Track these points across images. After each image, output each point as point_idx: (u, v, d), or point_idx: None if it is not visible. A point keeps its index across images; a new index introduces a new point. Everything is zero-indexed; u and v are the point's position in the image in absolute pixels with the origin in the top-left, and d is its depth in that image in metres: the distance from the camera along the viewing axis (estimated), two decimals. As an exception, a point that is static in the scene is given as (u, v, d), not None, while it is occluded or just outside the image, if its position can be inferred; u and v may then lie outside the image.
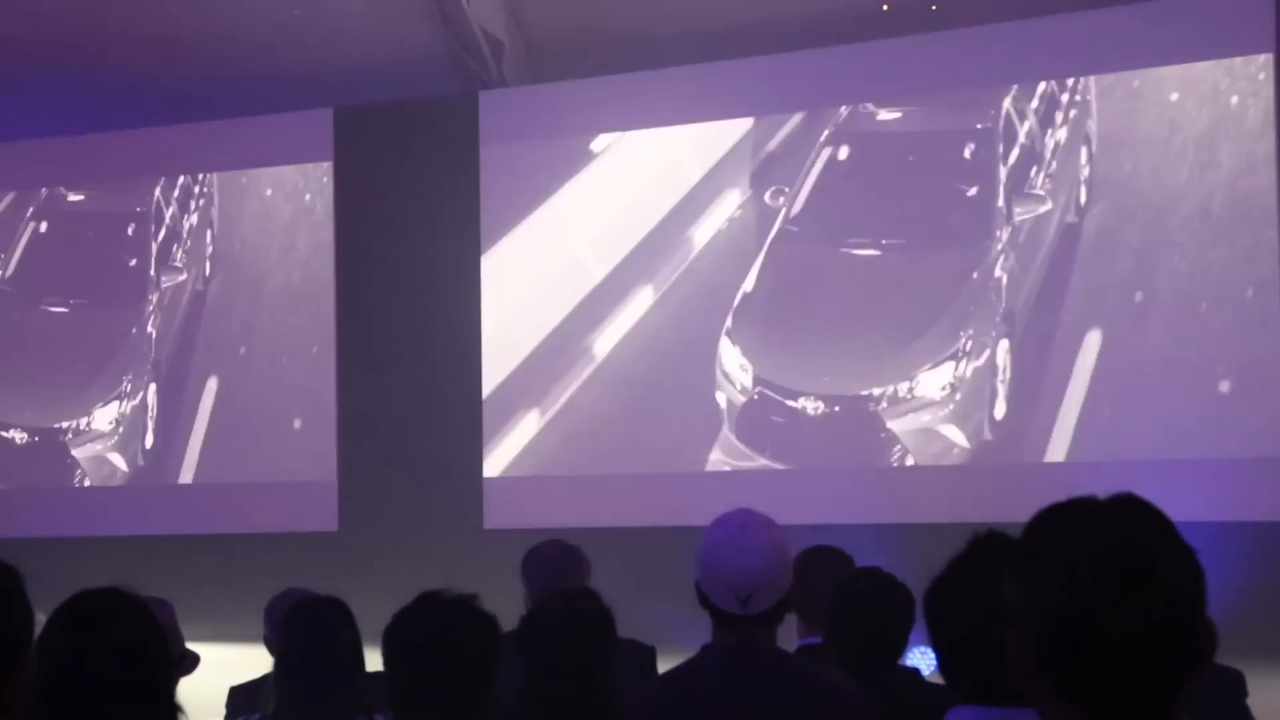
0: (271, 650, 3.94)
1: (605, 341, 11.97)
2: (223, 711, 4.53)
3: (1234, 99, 10.32)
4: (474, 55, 12.65)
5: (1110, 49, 10.59)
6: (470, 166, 12.44)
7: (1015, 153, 11.02)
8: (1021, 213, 11.03)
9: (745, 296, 11.65)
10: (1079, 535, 1.73)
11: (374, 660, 3.20)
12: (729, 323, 11.68)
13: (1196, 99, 10.45)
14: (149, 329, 13.66)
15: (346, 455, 12.74)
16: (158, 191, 13.71)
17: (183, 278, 13.54)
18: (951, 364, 11.00)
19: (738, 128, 11.74)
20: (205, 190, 13.54)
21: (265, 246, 13.32)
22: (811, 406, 11.39)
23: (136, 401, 13.64)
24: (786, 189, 11.64)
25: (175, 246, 13.61)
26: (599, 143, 12.15)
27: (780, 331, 11.64)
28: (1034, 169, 10.99)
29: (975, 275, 11.09)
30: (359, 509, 12.58)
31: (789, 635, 3.81)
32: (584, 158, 12.18)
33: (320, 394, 12.87)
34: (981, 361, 10.94)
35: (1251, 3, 10.28)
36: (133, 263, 13.76)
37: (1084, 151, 10.87)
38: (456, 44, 12.69)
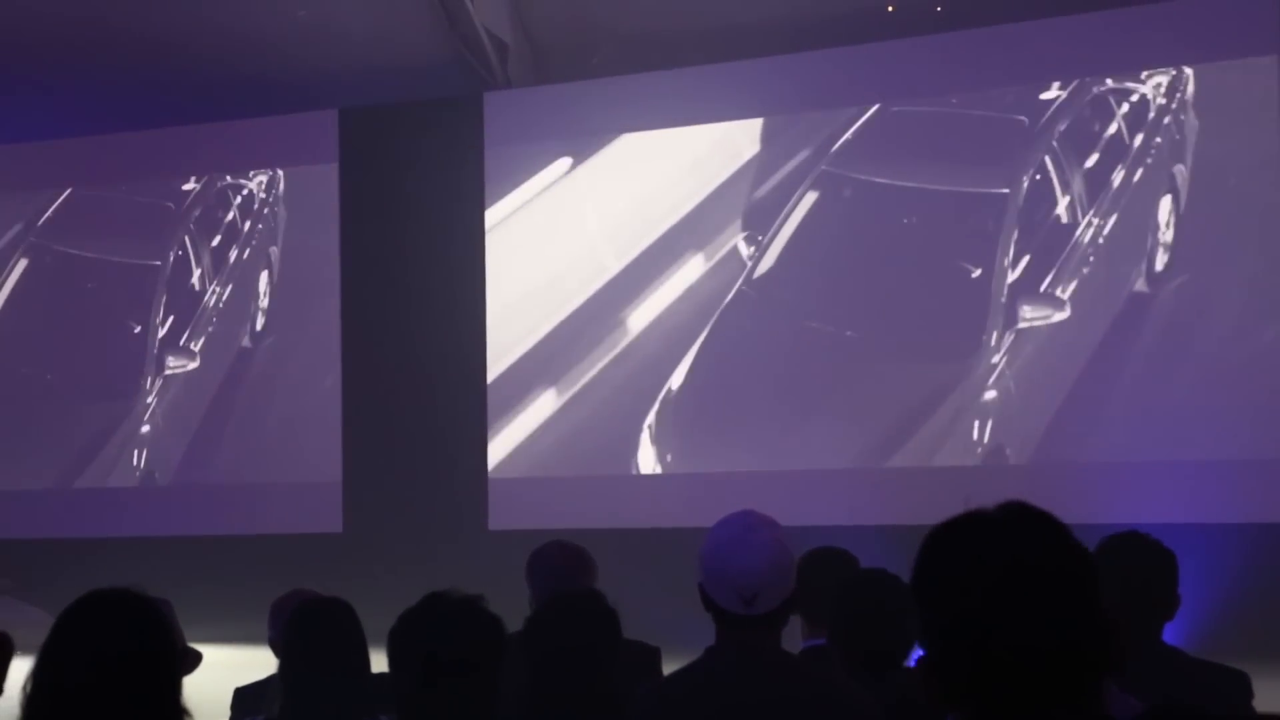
0: (276, 651, 3.93)
1: (610, 342, 11.96)
2: (228, 713, 4.53)
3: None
4: (478, 56, 12.65)
5: (1112, 50, 10.55)
6: (475, 167, 12.44)
7: (1046, 223, 10.11)
8: (1032, 316, 9.94)
9: (670, 394, 11.17)
10: (966, 553, 1.73)
11: (379, 661, 3.20)
12: (651, 418, 11.32)
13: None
14: (143, 424, 13.43)
15: (351, 457, 12.74)
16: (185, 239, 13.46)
17: (194, 365, 13.33)
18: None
19: (740, 129, 11.71)
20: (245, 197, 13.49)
21: (269, 247, 13.33)
22: None
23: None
24: (760, 236, 11.20)
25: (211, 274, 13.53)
26: (604, 143, 12.14)
27: (700, 451, 10.96)
28: (1081, 225, 10.02)
29: (952, 396, 9.85)
30: (363, 510, 12.59)
31: (793, 637, 3.80)
32: (589, 158, 12.18)
33: (324, 396, 12.87)
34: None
35: (1256, 4, 10.23)
36: (136, 330, 13.58)
37: (1166, 204, 9.74)
38: (461, 45, 12.69)
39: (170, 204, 13.67)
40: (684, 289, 11.73)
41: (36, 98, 13.63)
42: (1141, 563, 3.63)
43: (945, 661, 1.71)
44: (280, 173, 13.30)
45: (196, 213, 13.58)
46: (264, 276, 13.31)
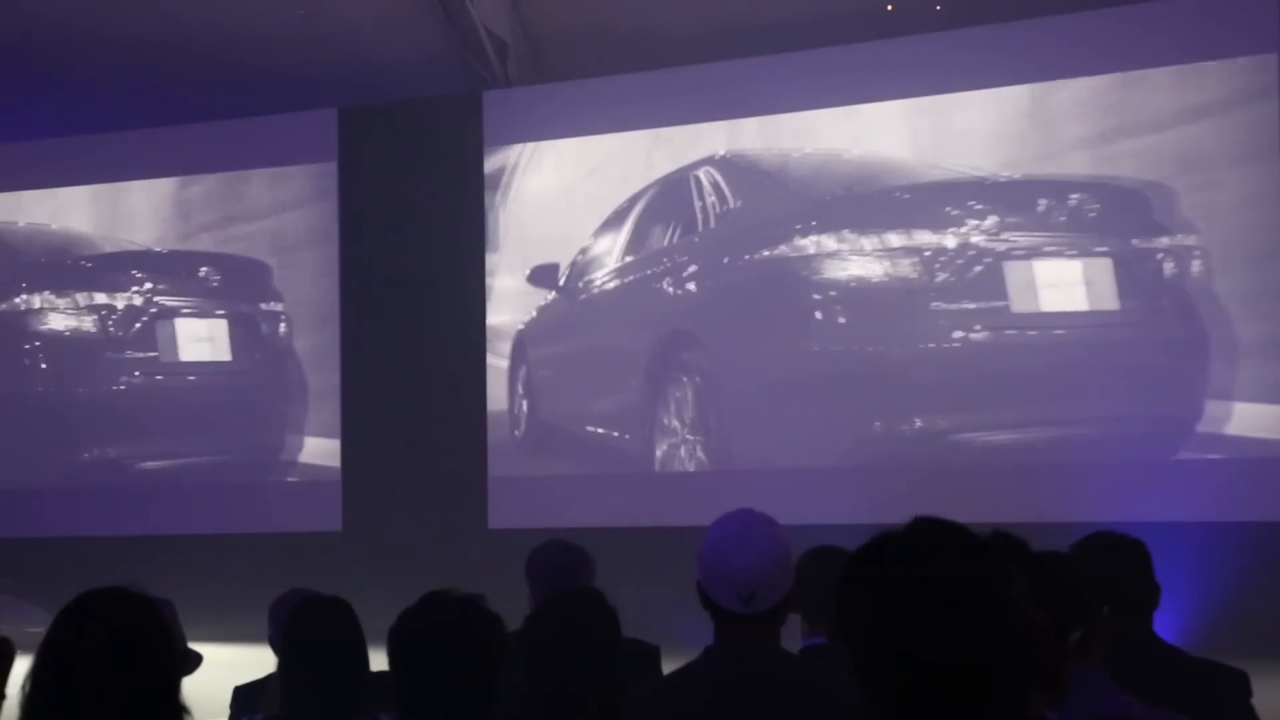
0: (276, 650, 3.93)
1: (609, 341, 11.95)
2: (227, 711, 4.53)
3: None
4: (478, 55, 12.65)
5: (1111, 49, 10.54)
6: (474, 166, 12.44)
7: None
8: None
9: (669, 393, 11.43)
10: (876, 576, 1.73)
11: (378, 660, 3.20)
12: (651, 416, 11.61)
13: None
14: (143, 424, 13.54)
15: (350, 456, 12.74)
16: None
17: (193, 365, 13.43)
18: None
19: (741, 130, 11.71)
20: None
21: (268, 248, 13.32)
22: None
23: None
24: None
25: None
26: (603, 142, 12.13)
27: (700, 450, 11.35)
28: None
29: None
30: (363, 509, 12.58)
31: (793, 636, 3.80)
32: (588, 157, 12.17)
33: (324, 394, 12.87)
34: None
35: (1256, 4, 10.21)
36: (137, 328, 13.68)
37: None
38: (460, 44, 12.70)
39: (168, 202, 13.67)
40: (684, 288, 11.73)
41: (35, 96, 13.62)
42: (1112, 559, 3.62)
43: (879, 690, 1.69)
44: (279, 171, 13.29)
45: (194, 211, 13.57)
46: (263, 275, 13.30)
